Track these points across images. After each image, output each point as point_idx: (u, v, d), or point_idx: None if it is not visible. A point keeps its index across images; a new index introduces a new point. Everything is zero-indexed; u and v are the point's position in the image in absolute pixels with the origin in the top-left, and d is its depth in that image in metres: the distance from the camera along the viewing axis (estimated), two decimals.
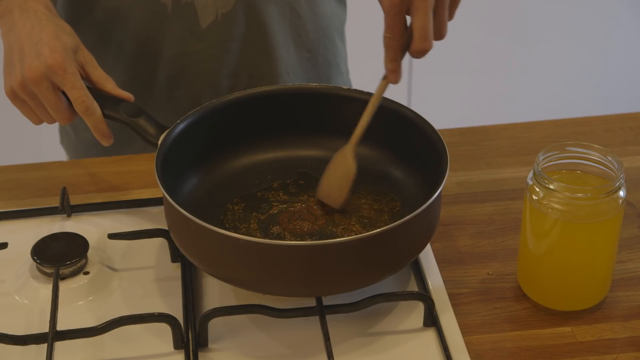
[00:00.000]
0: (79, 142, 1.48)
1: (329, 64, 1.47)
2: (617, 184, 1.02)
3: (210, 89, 1.36)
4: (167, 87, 1.37)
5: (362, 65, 1.73)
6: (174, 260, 1.13)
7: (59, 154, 1.56)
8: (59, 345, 1.01)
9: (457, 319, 1.06)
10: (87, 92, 1.11)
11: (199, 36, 1.34)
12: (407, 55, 1.07)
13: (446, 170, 1.05)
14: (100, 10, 1.33)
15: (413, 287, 1.10)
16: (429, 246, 1.15)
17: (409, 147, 1.15)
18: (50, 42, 1.10)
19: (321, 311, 1.02)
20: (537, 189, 1.03)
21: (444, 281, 1.11)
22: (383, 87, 1.10)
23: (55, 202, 1.23)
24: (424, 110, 1.19)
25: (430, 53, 1.05)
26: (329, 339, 1.00)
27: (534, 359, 1.02)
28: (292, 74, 1.42)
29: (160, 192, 1.05)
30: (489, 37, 2.69)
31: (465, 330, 1.05)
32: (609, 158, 1.05)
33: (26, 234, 1.17)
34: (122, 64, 1.36)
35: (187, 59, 1.35)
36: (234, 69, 1.38)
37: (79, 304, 1.09)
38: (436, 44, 1.04)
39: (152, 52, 1.35)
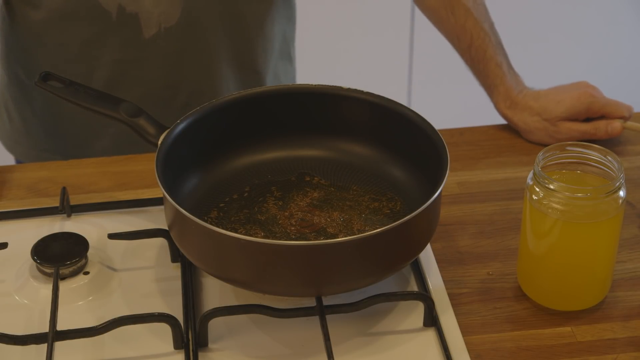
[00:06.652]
0: (13, 131, 1.49)
1: (279, 83, 1.49)
2: (617, 184, 1.02)
3: (149, 97, 1.37)
4: (105, 89, 1.38)
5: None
6: (174, 260, 1.13)
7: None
8: (59, 345, 1.01)
9: (457, 319, 1.06)
10: None
11: (141, 46, 1.36)
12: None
13: (446, 170, 1.05)
14: (44, 10, 1.34)
15: (413, 287, 1.10)
16: (429, 246, 1.15)
17: (409, 147, 1.15)
18: None
19: (321, 311, 1.02)
20: (537, 189, 1.03)
21: (444, 281, 1.11)
22: None
23: (55, 202, 1.23)
24: (424, 110, 1.19)
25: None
26: (329, 339, 1.00)
27: (534, 359, 1.02)
28: (233, 91, 1.43)
29: (160, 192, 1.05)
30: None
31: (465, 330, 1.05)
32: (609, 158, 1.05)
33: (26, 234, 1.17)
34: (60, 62, 1.38)
35: (127, 65, 1.38)
36: (174, 81, 1.40)
37: (79, 304, 1.09)
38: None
39: (92, 55, 1.37)
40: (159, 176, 1.05)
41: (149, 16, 1.34)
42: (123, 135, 1.42)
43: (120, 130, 1.41)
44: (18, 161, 1.52)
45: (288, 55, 1.53)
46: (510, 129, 1.37)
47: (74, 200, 1.23)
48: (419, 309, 1.06)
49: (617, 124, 1.31)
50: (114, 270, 1.13)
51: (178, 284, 1.10)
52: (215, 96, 1.41)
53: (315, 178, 1.18)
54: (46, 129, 1.46)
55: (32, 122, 1.46)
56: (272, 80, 1.49)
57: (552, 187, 1.02)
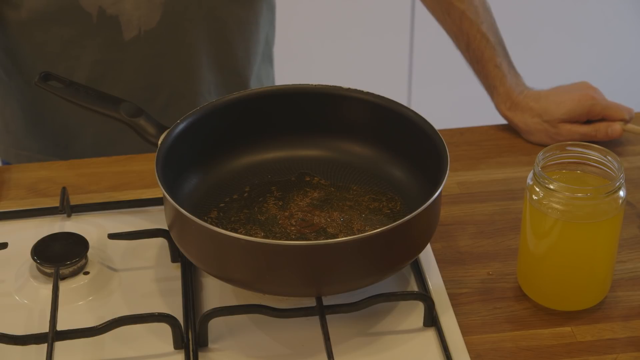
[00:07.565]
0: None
1: (261, 85, 1.49)
2: (617, 184, 1.02)
3: (128, 98, 1.38)
4: None
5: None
6: (174, 260, 1.13)
7: None
8: (59, 345, 1.01)
9: (457, 319, 1.06)
10: None
11: (121, 47, 1.36)
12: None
13: (446, 170, 1.05)
14: (25, 11, 1.34)
15: (413, 287, 1.10)
16: (429, 246, 1.15)
17: (409, 147, 1.15)
18: None
19: (321, 311, 1.02)
20: (537, 189, 1.03)
21: (444, 281, 1.11)
22: None
23: (55, 202, 1.23)
24: (424, 110, 1.19)
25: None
26: (329, 339, 1.00)
27: (534, 359, 1.02)
28: (214, 94, 1.44)
29: (160, 192, 1.05)
30: None
31: (465, 330, 1.05)
32: (609, 158, 1.05)
33: (26, 234, 1.17)
34: (41, 63, 1.38)
35: (107, 66, 1.38)
36: (153, 83, 1.40)
37: (79, 304, 1.09)
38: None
39: (72, 56, 1.37)
40: (159, 176, 1.05)
41: (129, 19, 1.34)
42: (103, 135, 1.43)
43: (99, 130, 1.42)
44: (5, 162, 1.52)
45: (269, 58, 1.54)
46: (510, 129, 1.37)
47: (74, 200, 1.23)
48: (419, 309, 1.06)
49: (617, 127, 1.31)
50: (114, 270, 1.13)
51: (178, 284, 1.10)
52: (196, 98, 1.42)
53: (315, 178, 1.18)
54: (26, 129, 1.46)
55: (11, 121, 1.47)
56: (255, 83, 1.49)
57: (552, 187, 1.02)
